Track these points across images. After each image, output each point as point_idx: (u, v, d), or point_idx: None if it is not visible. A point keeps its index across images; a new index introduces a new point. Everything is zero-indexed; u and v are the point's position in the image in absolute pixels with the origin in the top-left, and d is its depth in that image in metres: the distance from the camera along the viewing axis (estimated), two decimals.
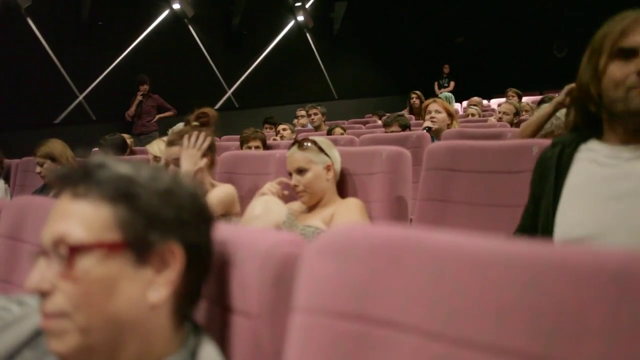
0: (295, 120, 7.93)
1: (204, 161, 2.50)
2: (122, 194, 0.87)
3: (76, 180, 0.89)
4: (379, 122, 7.81)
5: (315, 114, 6.93)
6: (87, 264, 0.84)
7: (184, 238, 0.90)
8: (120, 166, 0.90)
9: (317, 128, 6.72)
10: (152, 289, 0.88)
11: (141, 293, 0.87)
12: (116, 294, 0.85)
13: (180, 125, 4.82)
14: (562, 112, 2.82)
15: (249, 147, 4.31)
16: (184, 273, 0.90)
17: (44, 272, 0.85)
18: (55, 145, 3.87)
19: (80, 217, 0.86)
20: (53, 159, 3.82)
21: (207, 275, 0.96)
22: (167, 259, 0.89)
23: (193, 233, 0.91)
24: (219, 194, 2.49)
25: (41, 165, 3.85)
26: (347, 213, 2.23)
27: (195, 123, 2.59)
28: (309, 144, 2.36)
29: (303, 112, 8.16)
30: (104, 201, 0.87)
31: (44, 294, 0.85)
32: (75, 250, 0.84)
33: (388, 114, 5.90)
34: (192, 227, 0.92)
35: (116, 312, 0.85)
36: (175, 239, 0.89)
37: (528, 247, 0.65)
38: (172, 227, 0.89)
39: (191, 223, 0.91)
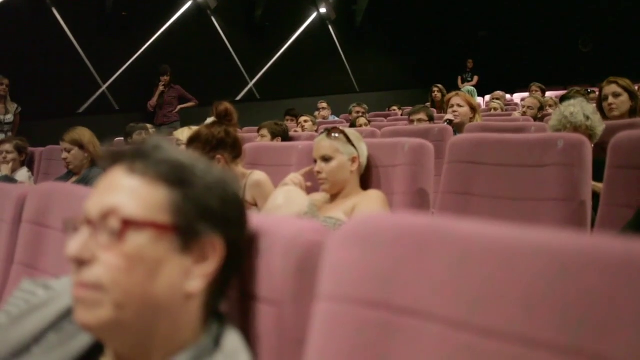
0: (317, 113, 7.92)
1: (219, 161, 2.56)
2: (180, 178, 0.88)
3: (133, 156, 0.89)
4: (400, 115, 7.78)
5: (362, 112, 7.01)
6: (138, 240, 0.84)
7: (227, 234, 0.90)
8: (177, 151, 0.91)
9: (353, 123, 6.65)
10: (189, 278, 0.88)
11: (180, 280, 0.87)
12: (158, 277, 0.85)
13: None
14: (569, 111, 2.80)
15: (262, 137, 4.40)
16: (220, 268, 0.90)
17: (86, 241, 0.85)
18: (84, 133, 3.88)
19: (136, 193, 0.86)
20: (81, 146, 3.82)
21: (236, 272, 0.97)
22: (207, 252, 0.89)
23: (235, 230, 0.92)
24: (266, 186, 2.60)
25: (68, 151, 3.84)
26: (368, 205, 2.23)
27: (212, 119, 2.67)
28: (338, 134, 2.36)
29: (325, 105, 8.15)
30: (160, 182, 0.87)
31: (82, 263, 0.84)
32: (128, 224, 0.84)
33: (409, 107, 5.87)
34: (235, 225, 0.93)
35: (154, 294, 0.85)
36: (219, 233, 0.89)
37: (557, 237, 0.64)
38: (218, 221, 0.89)
39: (234, 220, 0.93)
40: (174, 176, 0.88)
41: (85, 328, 0.86)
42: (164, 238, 0.86)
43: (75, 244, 0.85)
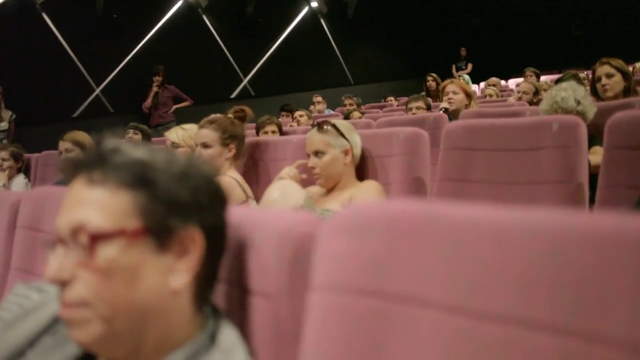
0: (312, 107, 7.91)
1: (230, 150, 2.70)
2: (141, 179, 0.85)
3: (91, 165, 0.87)
4: (396, 106, 7.76)
5: (351, 104, 6.99)
6: (109, 252, 0.83)
7: (203, 222, 0.88)
8: (135, 150, 0.88)
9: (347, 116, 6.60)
10: (173, 275, 0.86)
11: (163, 280, 0.86)
12: (138, 282, 0.84)
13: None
14: (560, 96, 2.79)
15: (266, 132, 4.34)
16: (203, 257, 0.89)
17: (62, 261, 0.84)
18: (86, 137, 3.90)
19: (99, 204, 0.84)
20: (83, 148, 3.79)
21: (223, 257, 0.94)
22: (188, 245, 0.87)
23: (211, 216, 0.90)
24: None
25: (69, 151, 3.85)
26: (365, 195, 2.22)
27: (231, 116, 2.86)
28: (329, 127, 2.35)
29: (319, 99, 8.14)
30: (122, 187, 0.85)
31: (63, 283, 0.84)
32: (96, 239, 0.83)
33: (405, 97, 5.86)
34: (210, 210, 0.90)
35: (139, 300, 0.84)
36: (194, 223, 0.87)
37: (549, 217, 0.63)
38: (191, 211, 0.87)
39: (208, 206, 0.90)
40: (135, 178, 0.85)
41: (81, 345, 0.86)
42: (136, 243, 0.84)
43: (52, 265, 0.84)
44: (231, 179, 2.62)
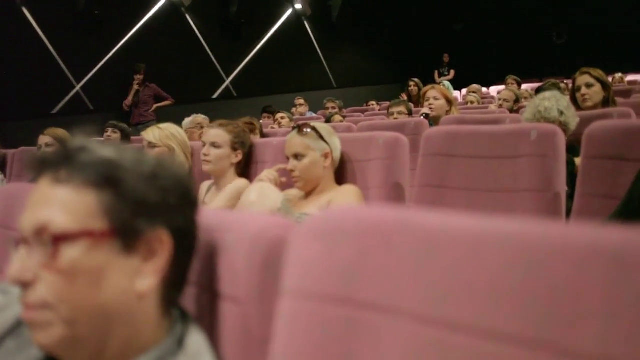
0: (294, 109, 7.90)
1: (237, 155, 2.75)
2: (107, 178, 0.83)
3: (57, 164, 0.85)
4: (378, 111, 7.78)
5: (333, 107, 7.01)
6: (72, 253, 0.81)
7: (171, 224, 0.86)
8: (103, 149, 0.86)
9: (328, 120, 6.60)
10: (139, 277, 0.84)
11: (128, 282, 0.84)
12: (103, 285, 0.82)
13: (199, 117, 4.84)
14: (543, 106, 2.80)
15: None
16: (172, 260, 0.87)
17: (25, 261, 0.82)
18: (66, 135, 3.87)
19: (64, 204, 0.82)
20: (63, 144, 3.78)
21: (192, 260, 0.93)
22: (155, 247, 0.85)
23: (180, 218, 0.88)
24: (226, 192, 2.65)
25: (49, 146, 3.83)
26: (343, 200, 2.21)
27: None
28: (309, 130, 2.33)
29: (302, 101, 8.14)
30: (88, 187, 0.83)
31: (25, 285, 0.81)
32: (59, 240, 0.81)
33: (387, 102, 5.86)
34: (179, 212, 0.88)
35: (103, 303, 0.82)
36: (162, 225, 0.85)
37: (523, 227, 0.62)
38: (159, 212, 0.85)
39: (178, 208, 0.88)
40: (102, 177, 0.83)
41: (43, 349, 0.84)
42: (101, 244, 0.82)
43: (15, 266, 0.82)
44: (247, 182, 2.67)
